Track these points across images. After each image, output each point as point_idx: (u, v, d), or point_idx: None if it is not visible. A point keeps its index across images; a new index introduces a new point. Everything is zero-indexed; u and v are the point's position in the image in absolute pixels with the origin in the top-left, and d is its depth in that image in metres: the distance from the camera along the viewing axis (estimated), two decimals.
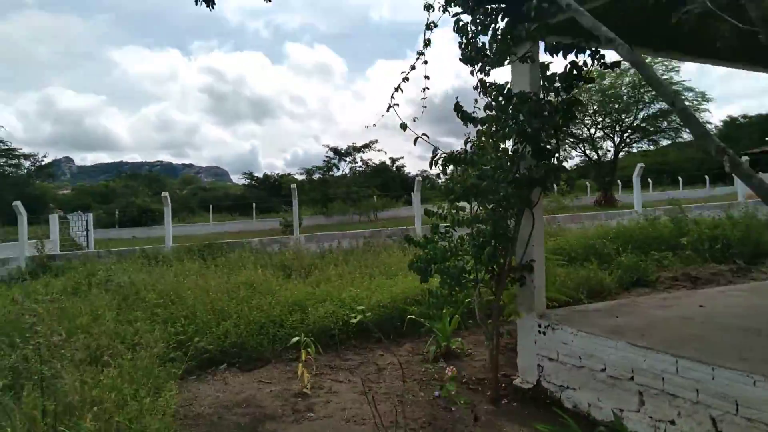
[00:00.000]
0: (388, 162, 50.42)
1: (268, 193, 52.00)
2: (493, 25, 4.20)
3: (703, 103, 33.03)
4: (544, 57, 4.19)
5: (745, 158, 37.35)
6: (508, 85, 4.09)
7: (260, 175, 55.46)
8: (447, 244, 4.52)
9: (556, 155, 4.13)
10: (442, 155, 4.26)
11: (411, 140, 4.29)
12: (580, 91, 4.20)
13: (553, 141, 4.12)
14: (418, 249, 4.80)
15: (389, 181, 51.70)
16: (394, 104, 4.34)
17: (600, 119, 35.94)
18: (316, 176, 45.81)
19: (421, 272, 4.52)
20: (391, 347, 5.96)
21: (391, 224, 24.21)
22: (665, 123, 35.25)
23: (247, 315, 5.96)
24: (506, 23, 4.23)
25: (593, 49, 3.79)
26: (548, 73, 4.00)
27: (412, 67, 4.45)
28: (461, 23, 4.11)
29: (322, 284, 7.47)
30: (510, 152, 4.07)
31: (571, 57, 3.84)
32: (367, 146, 45.39)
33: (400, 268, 8.45)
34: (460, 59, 4.28)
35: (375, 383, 4.91)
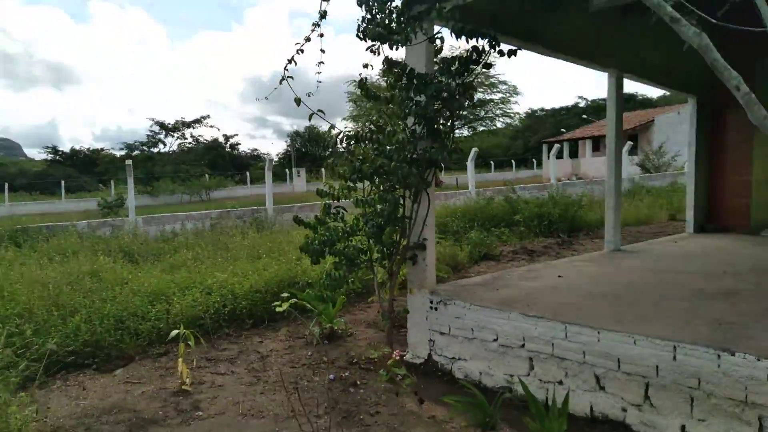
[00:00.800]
0: (222, 139, 47.90)
1: (78, 171, 46.23)
2: (389, 3, 4.15)
3: (514, 95, 36.92)
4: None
5: (544, 145, 42.96)
6: (410, 65, 4.08)
7: (65, 149, 48.88)
8: (342, 225, 4.42)
9: (451, 136, 4.25)
10: (347, 133, 4.12)
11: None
12: (474, 76, 4.41)
13: (449, 123, 4.23)
14: (308, 230, 4.64)
15: (219, 160, 49.35)
16: (288, 77, 4.08)
17: None
18: (136, 152, 41.75)
19: (315, 253, 4.37)
20: (267, 333, 5.70)
21: (227, 204, 23.07)
22: (483, 112, 38.72)
23: (99, 309, 5.20)
24: (402, 2, 4.21)
25: (491, 35, 3.94)
26: (448, 56, 4.08)
27: (307, 39, 4.20)
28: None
29: (179, 270, 6.83)
30: (408, 133, 4.08)
31: (472, 42, 3.95)
32: (198, 121, 42.57)
33: (262, 250, 8.11)
34: (358, 35, 4.16)
35: (262, 372, 4.65)
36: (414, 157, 4.08)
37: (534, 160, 47.98)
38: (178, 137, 42.12)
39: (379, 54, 4.45)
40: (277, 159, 65.17)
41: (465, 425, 3.56)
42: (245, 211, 12.48)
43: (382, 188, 4.29)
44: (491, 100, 37.35)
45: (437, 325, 4.51)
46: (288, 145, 65.97)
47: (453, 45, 4.24)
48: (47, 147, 48.39)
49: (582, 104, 59.72)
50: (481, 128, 42.12)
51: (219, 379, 4.53)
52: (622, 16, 6.03)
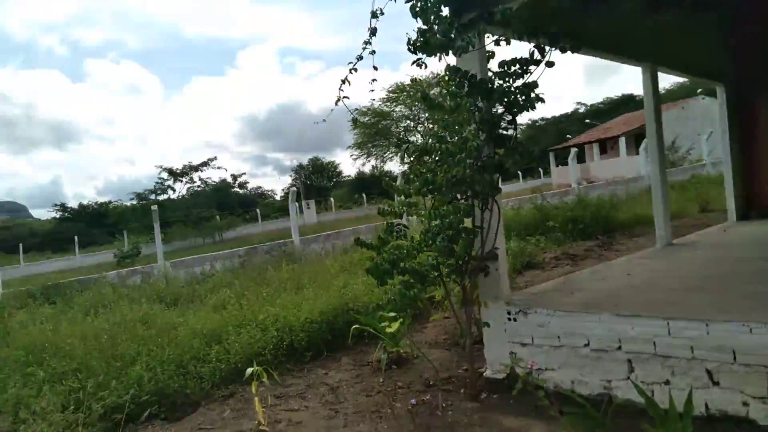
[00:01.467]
0: (230, 179, 48.15)
1: (87, 225, 46.48)
2: (439, 13, 4.08)
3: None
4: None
5: (551, 153, 42.90)
6: (471, 71, 3.98)
7: (73, 205, 49.22)
8: (407, 242, 4.27)
9: (514, 140, 4.12)
10: (412, 148, 4.02)
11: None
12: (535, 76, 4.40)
13: (512, 127, 4.10)
14: (371, 251, 4.48)
15: (226, 200, 49.54)
16: (344, 97, 4.02)
17: (431, 126, 38.38)
18: (144, 201, 41.94)
19: (383, 274, 4.19)
20: (329, 364, 5.50)
21: (241, 243, 22.94)
22: None
23: (158, 355, 5.03)
24: (450, 11, 4.14)
25: (552, 33, 3.85)
26: (506, 58, 3.98)
27: (359, 57, 4.15)
28: (419, 6, 3.89)
29: (226, 309, 6.66)
30: (471, 140, 3.95)
31: (525, 43, 3.87)
32: (205, 164, 42.83)
33: (303, 281, 7.95)
34: (409, 48, 4.08)
35: (337, 404, 4.45)
36: (481, 165, 3.94)
37: (540, 169, 47.87)
38: (186, 182, 42.34)
39: (425, 67, 4.37)
40: (282, 193, 65.42)
41: None
42: (272, 246, 12.37)
43: (449, 199, 4.14)
44: None
45: (518, 336, 4.31)
46: (293, 179, 66.29)
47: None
48: (56, 205, 48.72)
49: (582, 110, 59.92)
50: None
51: (295, 416, 4.32)
52: (655, 10, 5.98)
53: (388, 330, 5.07)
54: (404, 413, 4.07)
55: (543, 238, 10.01)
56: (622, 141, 34.61)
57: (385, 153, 41.00)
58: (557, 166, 37.40)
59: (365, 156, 41.40)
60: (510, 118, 4.08)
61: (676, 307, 3.73)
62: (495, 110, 4.01)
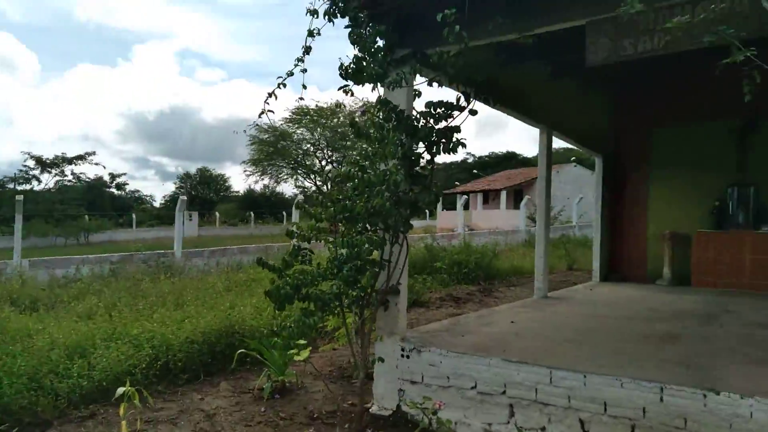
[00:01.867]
0: (107, 178, 44.43)
1: None
2: (374, 44, 4.15)
3: None
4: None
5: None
6: (399, 106, 4.06)
7: None
8: (313, 268, 4.18)
9: (431, 180, 4.25)
10: (337, 173, 3.97)
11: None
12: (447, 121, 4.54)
13: (430, 167, 4.23)
14: (272, 273, 4.32)
15: (99, 200, 45.70)
16: (269, 110, 3.91)
17: (330, 153, 38.61)
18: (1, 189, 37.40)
19: (284, 298, 4.04)
20: (206, 389, 5.16)
21: (106, 249, 21.15)
22: None
23: (9, 365, 4.41)
24: (384, 45, 4.23)
25: (479, 82, 4.07)
26: (432, 100, 4.12)
27: (290, 74, 4.09)
28: (356, 33, 3.93)
29: (94, 319, 6.05)
30: (393, 173, 4.00)
31: (451, 90, 4.05)
32: (81, 158, 39.18)
33: (184, 297, 7.46)
34: (341, 74, 4.09)
35: None
36: (396, 199, 4.00)
37: (426, 210, 49.82)
38: (56, 174, 38.40)
39: (351, 94, 4.42)
40: (163, 200, 61.66)
41: None
42: (150, 255, 11.51)
43: (360, 230, 4.14)
44: None
45: (408, 373, 4.35)
46: (177, 187, 62.88)
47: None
48: None
49: (470, 160, 63.57)
50: None
51: None
52: (553, 79, 6.58)
53: (297, 357, 4.89)
54: None
55: (430, 278, 10.33)
56: (504, 194, 37.15)
57: (280, 173, 40.43)
58: (443, 210, 39.12)
59: (259, 173, 40.50)
60: (429, 157, 4.21)
61: (557, 358, 3.98)
62: (416, 148, 4.12)
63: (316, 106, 37.14)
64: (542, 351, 4.20)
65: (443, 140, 4.09)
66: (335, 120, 37.64)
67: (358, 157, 4.21)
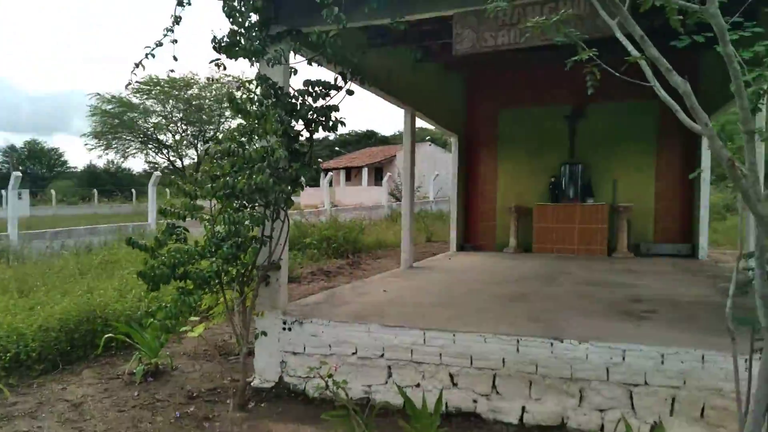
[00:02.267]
0: None
1: None
2: (249, 19, 4.10)
3: None
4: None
5: None
6: (279, 83, 4.06)
7: None
8: (191, 246, 4.08)
9: (310, 156, 4.34)
10: (216, 149, 3.86)
11: None
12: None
13: (308, 144, 4.31)
14: (144, 253, 4.15)
15: None
16: (136, 81, 3.68)
17: (185, 127, 36.37)
18: None
19: (160, 278, 3.92)
20: (67, 378, 4.80)
21: None
22: None
23: None
24: (259, 20, 4.20)
25: (355, 64, 4.21)
26: (311, 78, 4.18)
27: (158, 44, 3.89)
28: (234, 9, 3.84)
29: None
30: (276, 150, 4.02)
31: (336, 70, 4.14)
32: None
33: (29, 284, 6.76)
34: (217, 47, 3.99)
35: (83, 422, 3.92)
36: (278, 176, 4.04)
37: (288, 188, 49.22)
38: None
39: (224, 68, 4.35)
40: None
41: None
42: None
43: (238, 207, 4.11)
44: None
45: (290, 345, 4.46)
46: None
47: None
48: None
49: (332, 137, 63.80)
50: None
51: None
52: (417, 63, 6.96)
53: (191, 334, 4.71)
54: (167, 427, 3.83)
55: (300, 254, 10.42)
56: (365, 171, 38.06)
57: (128, 148, 37.18)
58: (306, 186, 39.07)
59: (103, 147, 36.84)
60: (308, 135, 4.29)
61: (428, 320, 4.36)
62: (295, 125, 4.17)
63: (168, 76, 34.63)
64: (415, 315, 4.56)
65: (322, 118, 4.20)
66: (189, 92, 35.45)
67: (236, 133, 4.15)
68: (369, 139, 62.76)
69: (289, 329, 4.47)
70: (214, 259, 4.03)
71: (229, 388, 4.51)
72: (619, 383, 3.58)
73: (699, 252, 9.07)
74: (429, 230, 15.56)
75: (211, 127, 37.67)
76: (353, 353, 4.25)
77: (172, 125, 36.19)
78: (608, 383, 3.60)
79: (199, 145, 38.26)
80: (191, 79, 34.77)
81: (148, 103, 35.07)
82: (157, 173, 13.96)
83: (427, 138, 41.13)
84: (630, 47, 2.11)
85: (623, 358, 3.58)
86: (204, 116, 36.26)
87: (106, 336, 4.90)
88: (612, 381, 3.60)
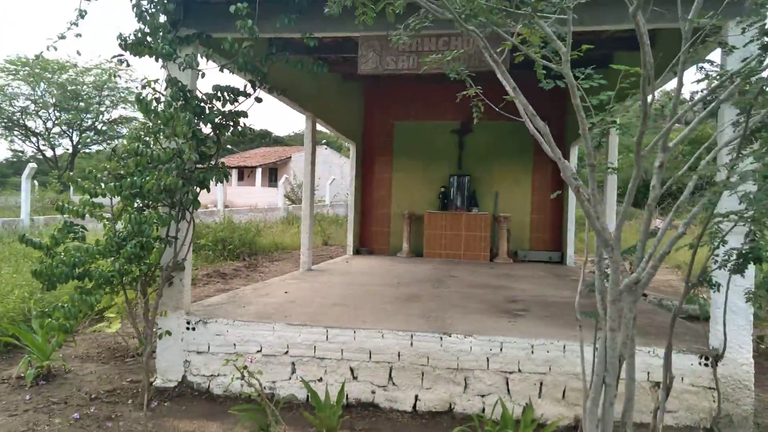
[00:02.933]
0: None
1: None
2: (157, 19, 4.19)
3: None
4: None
5: None
6: (188, 86, 4.15)
7: None
8: (92, 245, 4.05)
9: (216, 158, 4.47)
10: (122, 149, 3.87)
11: None
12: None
13: (216, 146, 4.44)
14: (39, 251, 4.06)
15: None
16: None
17: (58, 114, 33.42)
18: None
19: (58, 277, 3.87)
20: None
21: None
22: (125, 130, 36.18)
23: None
24: (168, 20, 4.29)
25: (263, 73, 4.41)
26: (219, 84, 4.32)
27: (61, 36, 3.88)
28: (143, 9, 3.89)
29: None
30: (187, 152, 4.11)
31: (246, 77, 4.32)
32: None
33: None
34: (123, 45, 4.03)
35: None
36: (185, 177, 4.13)
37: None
38: None
39: (127, 65, 4.39)
40: None
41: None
42: None
43: (140, 206, 4.15)
44: (135, 119, 35.28)
45: (194, 345, 4.55)
46: None
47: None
48: None
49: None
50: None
51: None
52: (317, 74, 7.26)
53: (108, 329, 4.56)
54: (67, 428, 3.78)
55: (194, 255, 10.20)
56: (259, 172, 37.41)
57: None
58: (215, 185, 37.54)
59: None
60: (215, 138, 4.43)
61: (330, 319, 4.67)
62: (202, 128, 4.29)
63: (36, 57, 31.62)
64: (317, 315, 4.84)
65: (231, 123, 4.36)
66: (64, 76, 32.62)
67: (141, 133, 4.18)
68: (263, 138, 61.59)
69: (193, 329, 4.55)
70: (115, 258, 4.04)
71: (129, 389, 4.50)
72: (498, 371, 4.13)
73: (567, 259, 10.23)
74: (326, 234, 15.83)
75: (89, 116, 34.94)
76: (258, 351, 4.44)
77: (42, 111, 33.08)
78: (488, 372, 4.14)
79: (74, 135, 35.35)
80: (66, 62, 32.07)
81: (15, 84, 31.80)
82: (32, 165, 12.89)
83: (323, 142, 41.33)
84: (509, 81, 2.57)
85: (501, 350, 4.14)
86: (81, 103, 33.56)
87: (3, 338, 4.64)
88: (491, 369, 4.13)
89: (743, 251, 2.34)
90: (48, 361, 4.66)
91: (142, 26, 4.06)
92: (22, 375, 4.58)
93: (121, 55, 4.36)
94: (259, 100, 4.52)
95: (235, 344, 4.49)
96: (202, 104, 4.26)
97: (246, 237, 11.69)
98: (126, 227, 4.10)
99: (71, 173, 4.27)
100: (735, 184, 2.34)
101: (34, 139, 34.68)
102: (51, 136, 34.30)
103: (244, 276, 9.71)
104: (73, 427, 3.79)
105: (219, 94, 4.32)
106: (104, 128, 35.63)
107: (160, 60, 4.14)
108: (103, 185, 4.04)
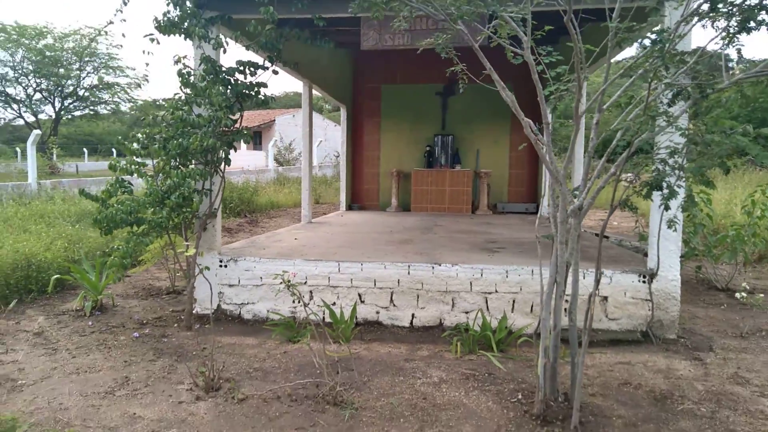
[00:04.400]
0: None
1: None
2: (183, 3, 4.90)
3: (145, 82, 35.75)
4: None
5: None
6: (218, 62, 4.90)
7: None
8: (143, 197, 4.85)
9: (241, 124, 5.26)
10: (168, 116, 4.65)
11: None
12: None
13: (240, 113, 5.22)
14: (96, 203, 4.86)
15: None
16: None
17: (39, 81, 33.18)
18: None
19: (117, 223, 4.68)
20: (14, 317, 5.32)
21: None
22: (107, 95, 36.10)
23: None
24: (193, 4, 5.00)
25: (279, 48, 5.17)
26: (242, 59, 5.07)
27: (110, 22, 4.61)
28: None
29: None
30: (222, 118, 4.88)
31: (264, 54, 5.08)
32: None
33: None
34: (158, 27, 4.75)
35: (54, 343, 4.60)
36: (222, 139, 4.93)
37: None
38: None
39: (157, 42, 5.09)
40: None
41: (279, 342, 4.74)
42: None
43: (177, 164, 4.94)
44: (116, 84, 35.19)
45: (227, 279, 5.43)
46: None
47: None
48: None
49: None
50: (105, 111, 39.13)
51: (6, 358, 4.31)
52: (311, 40, 7.95)
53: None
54: (132, 342, 4.67)
55: None
56: None
57: None
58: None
59: None
60: (239, 106, 5.20)
61: (339, 256, 5.57)
62: (232, 98, 5.05)
63: (16, 23, 31.27)
64: (328, 253, 5.74)
65: (252, 93, 5.13)
66: (43, 42, 32.30)
67: (179, 102, 4.94)
68: (245, 102, 61.15)
69: (225, 266, 5.43)
70: (161, 207, 4.85)
71: (172, 317, 5.39)
72: (479, 292, 5.09)
73: (542, 209, 11.21)
74: (317, 193, 16.62)
75: (70, 82, 34.77)
76: (281, 282, 5.33)
77: (22, 78, 32.86)
78: (471, 293, 5.10)
79: (56, 101, 35.18)
80: (44, 28, 31.71)
81: None
82: (37, 131, 13.38)
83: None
84: (487, 64, 3.40)
85: (482, 275, 5.09)
86: (62, 70, 33.35)
87: (56, 276, 5.46)
88: (474, 291, 5.09)
89: (649, 181, 3.24)
90: (101, 295, 5.51)
91: (173, 9, 4.77)
92: (78, 308, 5.43)
93: (151, 34, 5.06)
94: (275, 72, 5.29)
95: (261, 277, 5.38)
96: (228, 77, 5.01)
97: (244, 196, 12.46)
98: (165, 182, 4.91)
99: (119, 138, 5.04)
100: (650, 134, 3.23)
101: (15, 106, 34.47)
102: (33, 102, 34.11)
103: (248, 230, 10.54)
104: (136, 341, 4.68)
105: (242, 68, 5.07)
106: (86, 94, 35.49)
107: (196, 40, 4.86)
108: (156, 146, 4.82)
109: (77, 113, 38.00)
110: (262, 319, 5.35)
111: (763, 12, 2.64)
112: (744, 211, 6.57)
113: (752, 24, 2.78)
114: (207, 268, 5.20)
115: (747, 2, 2.72)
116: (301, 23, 6.18)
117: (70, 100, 35.39)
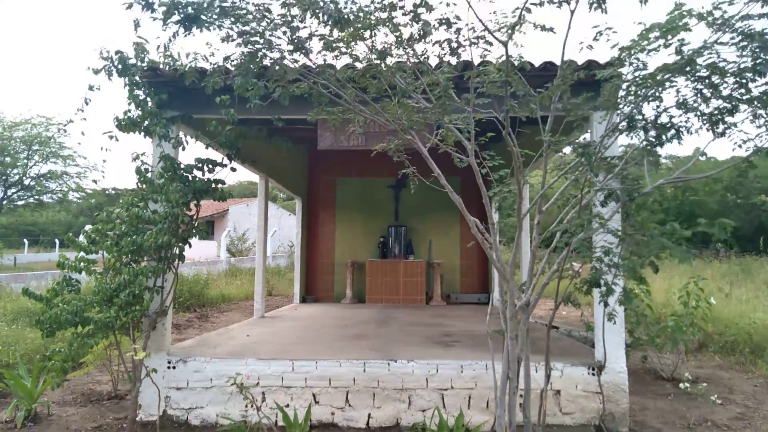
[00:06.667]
0: None
1: None
2: (147, 105, 5.07)
3: (94, 170, 35.43)
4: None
5: None
6: (177, 160, 5.01)
7: None
8: (92, 296, 4.72)
9: (197, 219, 5.29)
10: (123, 213, 4.64)
11: None
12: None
13: (197, 209, 5.27)
14: (39, 303, 4.70)
15: None
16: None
17: None
18: None
19: (61, 324, 4.50)
20: None
21: None
22: (55, 185, 35.39)
23: None
24: (154, 104, 5.18)
25: (237, 148, 5.35)
26: (201, 157, 5.21)
27: (69, 121, 4.69)
28: (136, 94, 4.79)
29: None
30: (179, 216, 4.91)
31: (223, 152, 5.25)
32: None
33: None
34: (118, 125, 4.88)
35: None
36: (177, 235, 4.93)
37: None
38: None
39: (116, 139, 5.18)
40: None
41: None
42: None
43: (128, 261, 4.87)
44: (64, 173, 34.60)
45: (175, 381, 5.20)
46: None
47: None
48: None
49: None
50: (50, 201, 38.05)
51: None
52: (269, 139, 8.25)
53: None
54: None
55: None
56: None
57: None
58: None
59: None
60: (196, 202, 5.26)
61: (293, 354, 5.47)
62: (188, 194, 5.11)
63: None
64: (281, 351, 5.63)
65: (210, 189, 5.22)
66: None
67: (135, 199, 4.96)
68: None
69: (174, 367, 5.22)
70: (109, 306, 4.72)
71: (113, 425, 5.07)
72: (435, 389, 5.06)
73: (493, 300, 11.41)
74: (270, 284, 16.38)
75: (16, 171, 33.99)
76: (232, 384, 5.15)
77: None
78: (428, 389, 5.06)
79: None
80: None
81: None
82: None
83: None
84: (436, 169, 3.64)
85: (437, 371, 5.08)
86: (8, 158, 32.66)
87: None
88: (430, 388, 5.06)
89: (589, 279, 3.44)
90: (35, 404, 5.15)
91: (134, 109, 4.92)
92: (8, 419, 5.03)
93: (111, 131, 5.16)
94: (234, 170, 5.43)
95: (211, 379, 5.19)
96: (186, 174, 5.11)
97: (195, 289, 12.16)
98: (115, 279, 4.81)
99: (69, 235, 4.96)
100: (585, 234, 3.48)
101: None
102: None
103: (197, 326, 10.19)
104: None
105: (201, 165, 5.19)
106: (32, 183, 34.66)
107: (156, 138, 4.99)
108: (108, 242, 4.76)
109: (20, 202, 36.80)
110: (211, 424, 5.10)
111: (672, 130, 2.99)
112: (680, 301, 6.92)
113: (664, 138, 3.14)
114: (154, 370, 4.99)
115: (659, 121, 3.08)
116: (260, 121, 6.46)
117: (14, 190, 34.37)
